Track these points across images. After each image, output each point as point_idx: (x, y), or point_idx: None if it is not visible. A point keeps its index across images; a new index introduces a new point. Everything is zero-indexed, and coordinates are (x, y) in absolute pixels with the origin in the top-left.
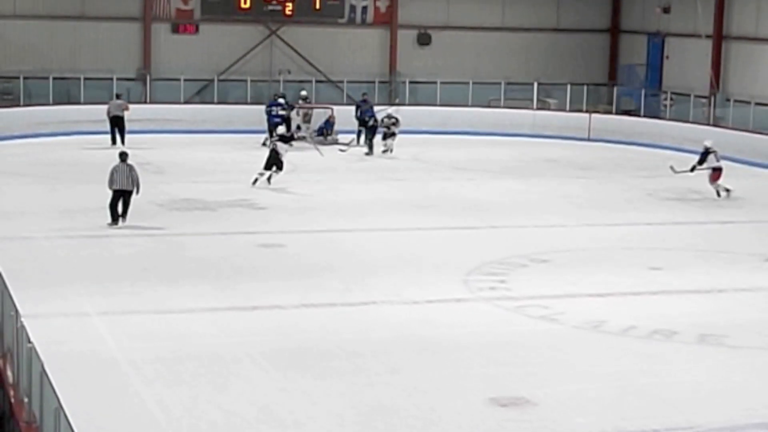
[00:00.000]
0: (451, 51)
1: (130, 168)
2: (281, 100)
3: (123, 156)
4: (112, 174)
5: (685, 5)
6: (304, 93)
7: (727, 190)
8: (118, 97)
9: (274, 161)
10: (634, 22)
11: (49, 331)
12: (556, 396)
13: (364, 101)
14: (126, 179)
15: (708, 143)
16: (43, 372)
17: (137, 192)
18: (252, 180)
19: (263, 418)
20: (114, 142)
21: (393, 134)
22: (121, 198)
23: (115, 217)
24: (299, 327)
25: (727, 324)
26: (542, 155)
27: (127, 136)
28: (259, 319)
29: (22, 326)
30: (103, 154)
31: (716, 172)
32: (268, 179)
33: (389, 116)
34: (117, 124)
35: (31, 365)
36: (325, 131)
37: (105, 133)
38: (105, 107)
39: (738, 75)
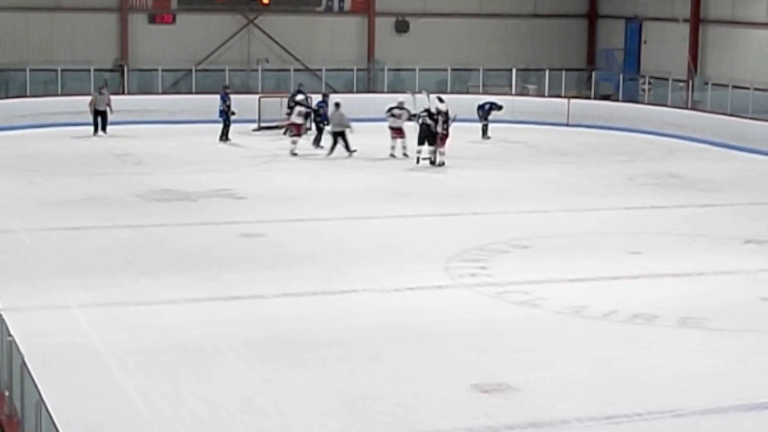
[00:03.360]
0: (429, 38)
1: (341, 114)
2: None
3: (337, 105)
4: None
5: None
6: None
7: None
8: (101, 91)
9: (426, 136)
10: (611, 7)
11: (30, 324)
12: (538, 382)
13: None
14: (338, 122)
15: (301, 90)
16: (24, 365)
17: (350, 130)
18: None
19: (246, 408)
20: (96, 131)
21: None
22: (338, 137)
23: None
24: (281, 316)
25: (708, 307)
26: (521, 141)
27: (106, 127)
28: (241, 309)
29: (2, 319)
30: (81, 145)
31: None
32: (429, 160)
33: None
34: (100, 114)
35: (12, 358)
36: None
37: (82, 124)
38: (84, 98)
39: (715, 59)
